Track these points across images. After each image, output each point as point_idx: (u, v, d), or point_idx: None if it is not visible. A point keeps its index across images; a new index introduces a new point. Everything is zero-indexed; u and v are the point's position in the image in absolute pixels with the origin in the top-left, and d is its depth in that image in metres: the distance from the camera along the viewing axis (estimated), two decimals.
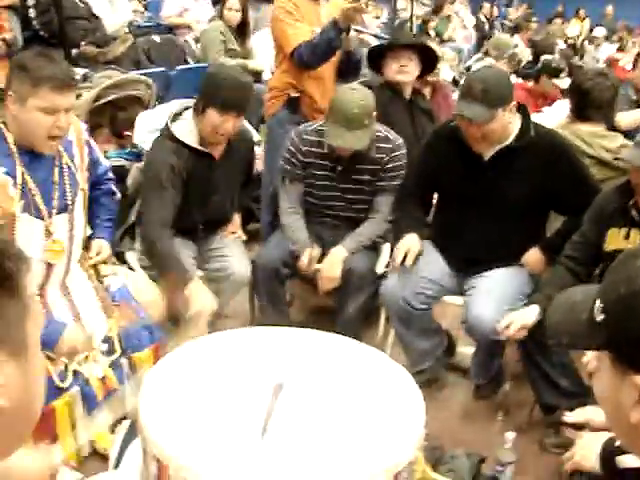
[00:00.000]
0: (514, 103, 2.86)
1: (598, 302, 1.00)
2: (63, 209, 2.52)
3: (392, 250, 3.35)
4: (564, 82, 5.30)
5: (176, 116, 3.09)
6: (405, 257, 2.96)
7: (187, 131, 3.02)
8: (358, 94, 3.14)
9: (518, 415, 3.04)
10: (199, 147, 3.02)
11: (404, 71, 3.73)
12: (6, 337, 0.91)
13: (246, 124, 4.73)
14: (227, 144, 3.12)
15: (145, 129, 3.72)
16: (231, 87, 2.94)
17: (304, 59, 3.66)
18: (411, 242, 3.00)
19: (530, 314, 2.62)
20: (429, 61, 3.86)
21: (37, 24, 4.93)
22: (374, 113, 3.19)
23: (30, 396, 0.97)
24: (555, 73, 5.38)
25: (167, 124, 3.06)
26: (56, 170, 2.49)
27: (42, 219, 2.45)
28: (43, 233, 2.47)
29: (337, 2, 3.64)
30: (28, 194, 2.40)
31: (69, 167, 2.55)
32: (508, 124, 2.86)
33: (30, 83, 2.28)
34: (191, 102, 3.08)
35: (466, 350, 3.35)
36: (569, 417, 2.06)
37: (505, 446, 2.48)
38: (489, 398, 3.18)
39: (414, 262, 2.98)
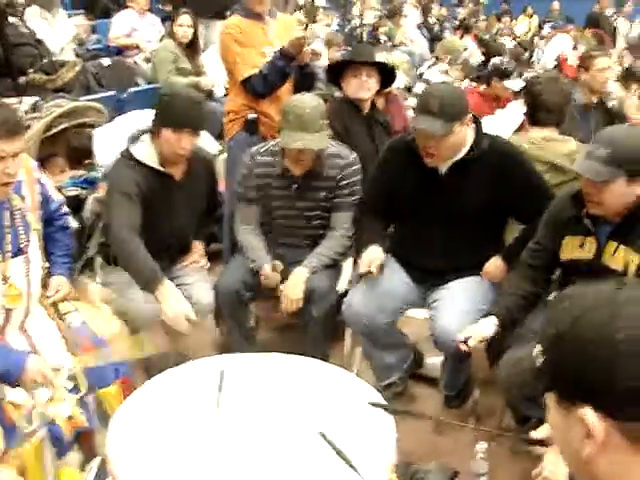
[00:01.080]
0: (470, 117, 2.89)
1: (536, 348, 1.04)
2: (17, 252, 2.48)
3: (355, 265, 3.37)
4: (514, 83, 5.38)
5: (134, 139, 3.11)
6: (369, 270, 2.97)
7: (146, 153, 3.07)
8: (308, 97, 3.20)
9: (489, 424, 3.06)
10: (159, 167, 3.05)
11: (364, 87, 3.76)
12: None
13: (206, 137, 4.76)
14: (187, 165, 3.15)
15: (105, 143, 3.81)
16: (182, 105, 3.01)
17: (256, 90, 3.72)
18: (374, 253, 3.01)
19: (487, 326, 2.64)
20: (387, 76, 3.89)
21: None
22: (326, 119, 3.21)
23: None
24: (505, 75, 5.45)
25: (127, 147, 3.09)
26: (7, 214, 2.45)
27: None
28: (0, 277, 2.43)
29: (288, 26, 3.71)
30: None
31: (20, 209, 2.51)
32: (463, 137, 2.90)
33: None
34: (148, 125, 3.11)
35: (434, 360, 3.37)
36: (535, 434, 2.07)
37: (477, 457, 2.50)
38: (460, 407, 3.21)
39: (379, 271, 2.99)
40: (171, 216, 3.13)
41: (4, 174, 2.31)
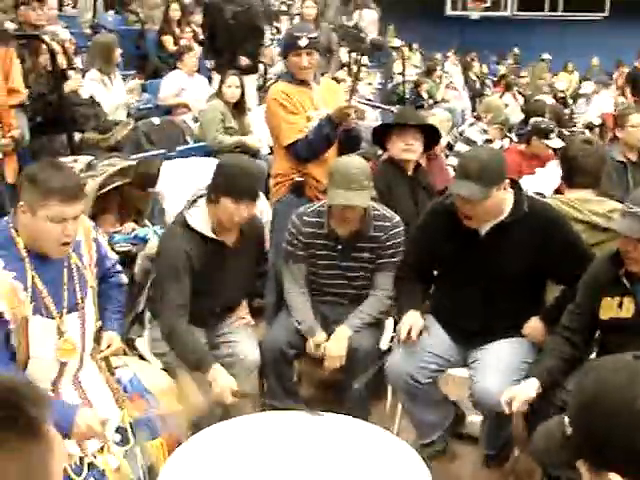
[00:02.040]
0: (507, 181, 2.95)
1: (566, 419, 1.10)
2: (73, 308, 2.58)
3: (396, 324, 3.42)
4: (555, 142, 5.43)
5: (191, 204, 3.18)
6: (409, 333, 3.01)
7: (201, 220, 3.12)
8: (355, 158, 3.30)
9: None
10: (213, 236, 3.12)
11: (410, 150, 3.85)
12: (32, 477, 0.98)
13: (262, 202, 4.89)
14: (239, 232, 3.22)
15: (169, 176, 4.07)
16: (243, 176, 3.08)
17: (301, 155, 3.80)
18: (413, 319, 3.05)
19: (530, 388, 2.66)
20: (431, 136, 3.98)
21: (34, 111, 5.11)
22: (371, 179, 3.29)
23: None
24: (545, 134, 5.51)
25: (182, 212, 3.16)
26: (65, 271, 2.57)
27: (53, 319, 2.52)
28: (55, 332, 2.52)
29: (333, 90, 3.83)
30: (38, 296, 2.47)
31: (77, 267, 2.62)
32: (502, 200, 2.95)
33: (40, 195, 2.36)
34: (204, 190, 3.18)
35: (475, 419, 3.38)
36: None
37: None
38: (500, 467, 3.21)
39: (418, 337, 3.03)
40: (223, 282, 3.19)
41: (64, 235, 2.44)
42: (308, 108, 3.86)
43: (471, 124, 7.03)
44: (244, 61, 7.25)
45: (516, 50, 16.50)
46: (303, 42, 3.80)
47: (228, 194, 3.03)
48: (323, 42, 4.03)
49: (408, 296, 3.20)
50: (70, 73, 5.70)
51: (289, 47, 3.95)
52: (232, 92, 6.00)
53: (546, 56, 14.96)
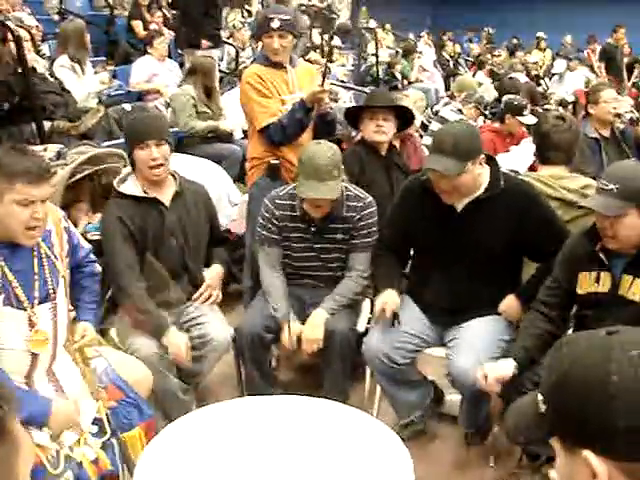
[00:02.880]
0: (483, 156, 2.95)
1: (539, 395, 1.09)
2: (45, 298, 2.54)
3: (372, 306, 3.41)
4: (528, 119, 5.44)
5: (122, 181, 3.27)
6: (383, 310, 3.01)
7: (130, 184, 3.22)
8: (325, 147, 3.24)
9: (509, 460, 3.07)
10: (143, 194, 3.19)
11: (381, 131, 3.83)
12: None
13: (230, 188, 4.87)
14: (176, 192, 3.27)
15: None
16: (138, 121, 3.28)
17: (274, 139, 3.77)
18: (389, 297, 3.05)
19: (506, 367, 2.67)
20: (404, 117, 3.97)
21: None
22: (342, 166, 3.28)
23: None
24: (518, 111, 5.51)
25: (114, 187, 3.23)
26: (35, 261, 2.52)
27: (24, 310, 2.48)
28: (26, 324, 2.48)
29: (309, 74, 3.86)
30: (8, 286, 2.43)
31: (48, 256, 2.58)
32: (478, 176, 2.95)
33: (5, 179, 2.33)
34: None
35: (454, 398, 3.39)
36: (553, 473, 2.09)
37: None
38: (480, 445, 3.22)
39: (395, 318, 3.03)
40: (163, 238, 3.23)
41: (33, 218, 2.39)
42: (283, 91, 3.83)
43: (446, 103, 7.02)
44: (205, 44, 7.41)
45: (490, 30, 16.49)
46: (275, 24, 3.76)
47: (135, 144, 3.15)
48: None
49: (385, 275, 3.19)
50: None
51: (261, 29, 3.93)
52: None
53: (540, 34, 14.93)
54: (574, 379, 1.03)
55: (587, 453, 0.99)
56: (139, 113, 3.33)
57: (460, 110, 6.46)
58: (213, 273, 3.44)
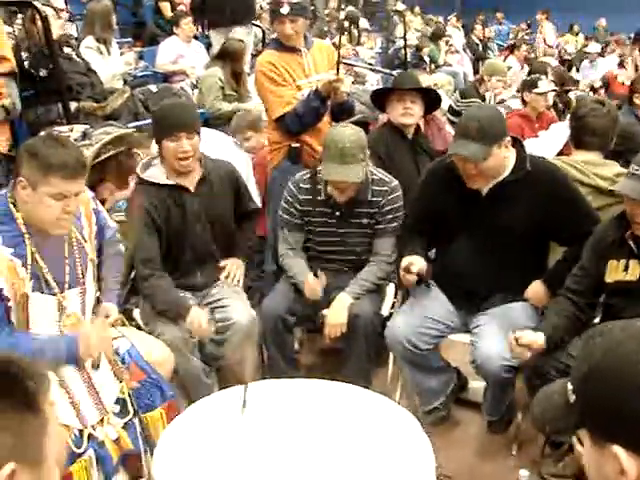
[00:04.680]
0: (508, 139, 2.90)
1: (569, 385, 1.05)
2: (74, 283, 2.54)
3: (397, 290, 3.39)
4: (542, 87, 5.36)
5: (146, 166, 3.23)
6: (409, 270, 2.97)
7: (156, 171, 3.19)
8: (349, 130, 3.21)
9: (532, 448, 3.04)
10: (168, 181, 3.15)
11: (409, 113, 3.79)
12: (25, 453, 0.99)
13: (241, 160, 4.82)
14: (201, 176, 3.23)
15: None
16: (169, 112, 3.18)
17: (290, 128, 3.72)
18: (414, 258, 3.00)
19: (537, 336, 2.63)
20: (432, 101, 3.92)
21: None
22: (367, 150, 3.24)
23: None
24: (532, 84, 5.44)
25: (137, 173, 3.21)
26: (66, 246, 2.52)
27: (54, 295, 2.48)
28: (56, 308, 2.49)
29: (325, 54, 3.81)
30: (39, 272, 2.42)
31: (78, 240, 2.58)
32: (504, 159, 2.91)
33: (41, 171, 2.30)
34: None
35: (477, 385, 3.36)
36: None
37: None
38: (503, 433, 3.19)
39: (423, 281, 3.02)
40: (189, 224, 3.21)
41: (65, 211, 2.38)
42: (299, 76, 3.77)
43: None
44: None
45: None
46: (285, 9, 3.70)
47: (164, 135, 3.11)
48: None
49: (410, 250, 3.11)
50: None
51: (273, 14, 3.89)
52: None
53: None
54: (607, 369, 0.99)
55: (617, 449, 0.96)
56: (169, 100, 3.23)
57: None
58: (233, 263, 3.43)
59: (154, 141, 3.31)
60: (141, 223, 3.12)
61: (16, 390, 1.02)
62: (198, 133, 3.16)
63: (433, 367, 3.14)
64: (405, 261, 2.98)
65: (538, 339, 2.63)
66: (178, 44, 7.02)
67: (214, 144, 4.08)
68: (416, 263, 2.97)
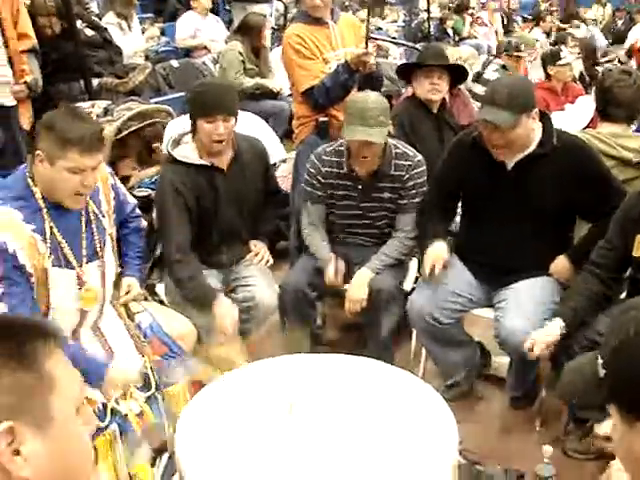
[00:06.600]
0: (536, 110, 2.86)
1: (599, 359, 1.02)
2: (93, 257, 2.55)
3: (419, 265, 3.36)
4: (565, 59, 5.29)
5: (176, 143, 3.16)
6: (433, 269, 2.97)
7: (189, 151, 3.11)
8: (372, 94, 3.20)
9: (556, 425, 3.01)
10: (201, 161, 3.09)
11: (436, 89, 3.77)
12: (24, 408, 0.98)
13: (273, 143, 4.80)
14: (234, 156, 3.17)
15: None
16: (211, 93, 3.06)
17: (318, 101, 3.68)
18: (439, 250, 3.01)
19: (553, 330, 2.60)
20: (458, 75, 3.90)
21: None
22: (389, 115, 3.21)
23: (65, 464, 1.02)
24: (554, 57, 5.35)
25: (168, 151, 3.14)
26: (83, 220, 2.53)
27: (73, 269, 2.49)
28: (75, 282, 2.50)
29: (352, 27, 3.77)
30: (57, 247, 2.44)
31: (96, 215, 2.58)
32: (531, 131, 2.86)
33: (58, 145, 2.31)
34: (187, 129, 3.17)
35: (501, 360, 3.34)
36: (600, 428, 2.04)
37: (544, 460, 2.47)
38: (526, 409, 3.16)
39: (441, 274, 2.98)
40: (221, 204, 3.16)
41: (82, 186, 2.38)
42: (326, 49, 3.72)
43: (486, 65, 6.76)
44: None
45: None
46: None
47: (200, 115, 3.02)
48: None
49: (432, 230, 3.11)
50: None
51: None
52: None
53: None
54: (637, 344, 0.96)
55: None
56: (208, 84, 3.18)
57: (504, 66, 6.20)
58: (261, 244, 3.42)
59: (184, 117, 3.26)
60: (172, 206, 3.06)
61: (5, 347, 1.01)
62: (235, 117, 3.09)
63: (454, 341, 3.12)
64: (429, 258, 2.99)
65: (554, 335, 2.60)
66: (195, 18, 7.03)
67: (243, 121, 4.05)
68: (439, 258, 2.98)
